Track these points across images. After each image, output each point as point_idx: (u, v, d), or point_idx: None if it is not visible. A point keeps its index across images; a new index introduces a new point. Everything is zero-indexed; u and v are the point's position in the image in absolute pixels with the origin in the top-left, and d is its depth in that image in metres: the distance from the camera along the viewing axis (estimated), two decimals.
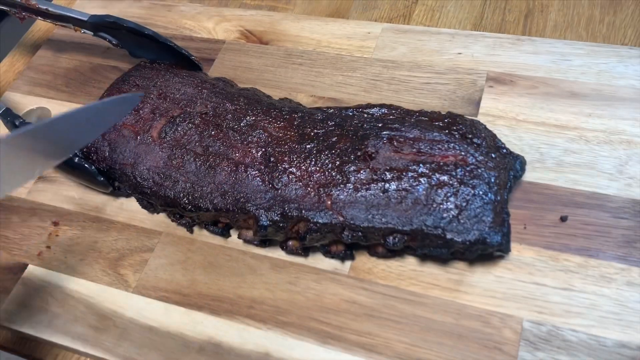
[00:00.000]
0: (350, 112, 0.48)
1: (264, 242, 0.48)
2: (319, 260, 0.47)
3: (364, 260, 0.47)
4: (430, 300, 0.44)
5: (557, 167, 0.48)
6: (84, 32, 0.60)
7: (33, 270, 0.51)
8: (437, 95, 0.55)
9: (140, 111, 0.52)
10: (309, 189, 0.44)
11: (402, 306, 0.44)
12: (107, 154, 0.51)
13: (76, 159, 0.51)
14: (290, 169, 0.45)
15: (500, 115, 0.52)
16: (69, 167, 0.52)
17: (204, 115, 0.50)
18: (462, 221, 0.41)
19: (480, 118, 0.52)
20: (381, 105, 0.48)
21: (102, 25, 0.58)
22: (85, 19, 0.58)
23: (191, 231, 0.50)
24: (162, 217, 0.52)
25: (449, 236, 0.41)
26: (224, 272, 0.48)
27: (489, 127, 0.49)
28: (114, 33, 0.59)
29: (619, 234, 0.44)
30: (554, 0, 0.62)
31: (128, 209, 0.53)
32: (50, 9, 0.59)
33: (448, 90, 0.55)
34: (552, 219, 0.46)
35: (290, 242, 0.46)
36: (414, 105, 0.54)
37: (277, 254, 0.48)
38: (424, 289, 0.44)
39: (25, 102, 0.64)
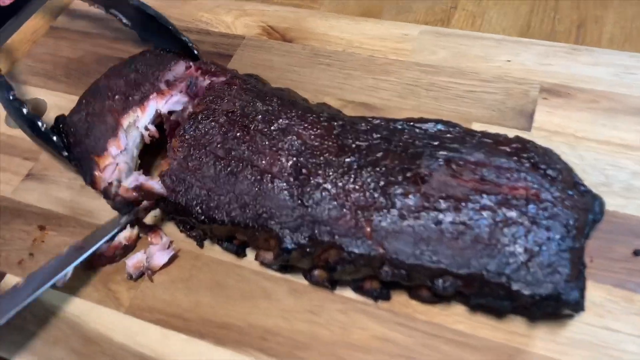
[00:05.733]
0: (400, 125, 0.42)
1: (284, 268, 0.41)
2: (346, 287, 0.40)
3: (400, 291, 0.39)
4: (479, 342, 0.37)
5: (625, 192, 0.42)
6: (97, 7, 0.56)
7: (11, 280, 0.44)
8: (483, 105, 0.49)
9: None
10: (345, 210, 0.37)
11: (446, 348, 0.37)
12: None
13: (43, 127, 0.46)
14: (325, 185, 0.39)
15: (557, 130, 0.46)
16: (36, 136, 0.46)
17: (230, 114, 0.44)
18: (532, 270, 0.34)
19: (534, 133, 0.46)
20: (437, 121, 0.42)
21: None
22: None
23: (201, 245, 0.43)
24: (166, 225, 0.45)
25: (514, 287, 0.34)
26: (233, 294, 0.41)
27: (544, 143, 0.43)
28: (125, 11, 0.55)
29: None
30: (608, 11, 0.56)
31: None
32: None
33: (496, 100, 0.49)
34: (623, 252, 0.39)
35: (316, 272, 0.39)
36: (457, 115, 0.48)
37: (297, 276, 0.41)
38: (472, 328, 0.37)
39: (21, 92, 0.57)
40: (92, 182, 0.44)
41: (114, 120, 0.46)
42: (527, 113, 0.47)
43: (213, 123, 0.44)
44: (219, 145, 0.43)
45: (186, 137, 0.44)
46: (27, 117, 0.47)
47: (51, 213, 0.47)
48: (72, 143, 0.46)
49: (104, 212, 0.47)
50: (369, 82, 0.52)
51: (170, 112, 0.47)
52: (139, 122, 0.46)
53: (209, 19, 0.61)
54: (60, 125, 0.48)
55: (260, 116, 0.43)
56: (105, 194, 0.44)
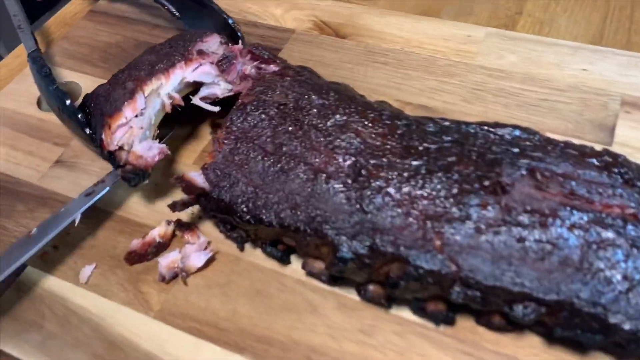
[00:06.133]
0: (472, 128, 0.37)
1: (334, 279, 0.36)
2: (403, 306, 0.36)
3: (466, 315, 0.35)
4: None
5: None
6: None
7: (32, 273, 0.40)
8: (557, 115, 0.44)
9: None
10: (411, 219, 0.33)
11: None
12: None
13: (68, 102, 0.43)
14: (388, 189, 0.34)
15: None
16: (61, 111, 0.44)
17: (282, 107, 0.40)
18: (633, 301, 0.29)
19: (616, 148, 0.41)
20: (514, 127, 0.37)
21: None
22: None
23: (242, 248, 0.39)
24: (204, 224, 0.41)
25: (612, 320, 0.29)
26: (275, 305, 0.37)
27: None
28: None
29: None
30: None
31: (161, 209, 0.42)
32: None
33: (572, 110, 0.44)
34: None
35: (371, 287, 0.34)
36: (529, 124, 0.43)
37: (347, 290, 0.37)
38: None
39: (55, 75, 0.54)
40: (100, 143, 0.41)
41: (134, 86, 0.43)
42: (608, 127, 0.43)
43: (263, 115, 0.40)
44: (268, 140, 0.39)
45: (233, 128, 0.40)
46: (55, 92, 0.43)
47: None
48: (92, 114, 0.43)
49: (138, 204, 0.43)
50: (429, 83, 0.48)
51: (198, 83, 0.44)
52: (161, 89, 0.43)
53: (257, 11, 0.58)
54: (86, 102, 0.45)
55: (315, 110, 0.39)
56: (114, 159, 0.41)
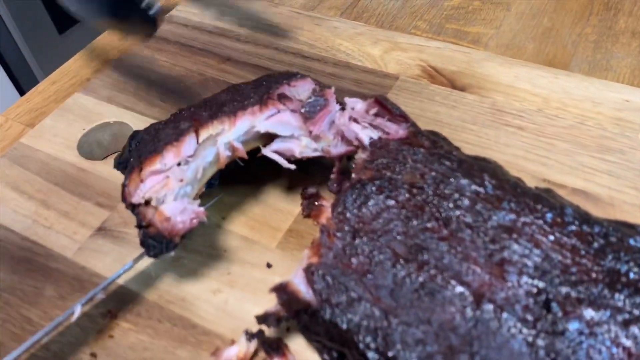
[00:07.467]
0: None
1: None
2: None
3: None
4: None
5: None
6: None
7: None
8: None
9: None
10: None
11: None
12: None
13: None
14: (595, 340, 0.23)
15: None
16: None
17: (415, 190, 0.29)
18: None
19: None
20: None
21: None
22: None
23: None
24: (293, 336, 0.30)
25: None
26: None
27: None
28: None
29: None
30: None
31: (235, 312, 0.31)
32: None
33: None
34: None
35: None
36: None
37: None
38: None
39: (101, 112, 0.44)
40: (122, 192, 0.32)
41: (188, 126, 0.33)
42: None
43: (390, 200, 0.29)
44: (399, 237, 0.28)
45: (347, 215, 0.29)
46: None
47: (127, 292, 0.33)
48: (131, 159, 0.34)
49: (204, 301, 0.32)
50: (582, 159, 0.37)
51: (272, 136, 0.35)
52: (221, 135, 0.33)
53: (350, 49, 0.48)
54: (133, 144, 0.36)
55: (466, 202, 0.29)
56: (135, 214, 0.31)
